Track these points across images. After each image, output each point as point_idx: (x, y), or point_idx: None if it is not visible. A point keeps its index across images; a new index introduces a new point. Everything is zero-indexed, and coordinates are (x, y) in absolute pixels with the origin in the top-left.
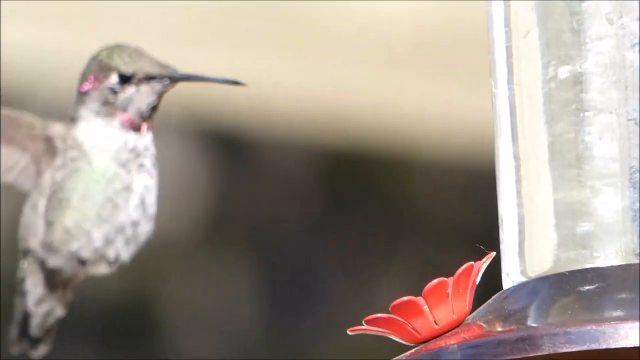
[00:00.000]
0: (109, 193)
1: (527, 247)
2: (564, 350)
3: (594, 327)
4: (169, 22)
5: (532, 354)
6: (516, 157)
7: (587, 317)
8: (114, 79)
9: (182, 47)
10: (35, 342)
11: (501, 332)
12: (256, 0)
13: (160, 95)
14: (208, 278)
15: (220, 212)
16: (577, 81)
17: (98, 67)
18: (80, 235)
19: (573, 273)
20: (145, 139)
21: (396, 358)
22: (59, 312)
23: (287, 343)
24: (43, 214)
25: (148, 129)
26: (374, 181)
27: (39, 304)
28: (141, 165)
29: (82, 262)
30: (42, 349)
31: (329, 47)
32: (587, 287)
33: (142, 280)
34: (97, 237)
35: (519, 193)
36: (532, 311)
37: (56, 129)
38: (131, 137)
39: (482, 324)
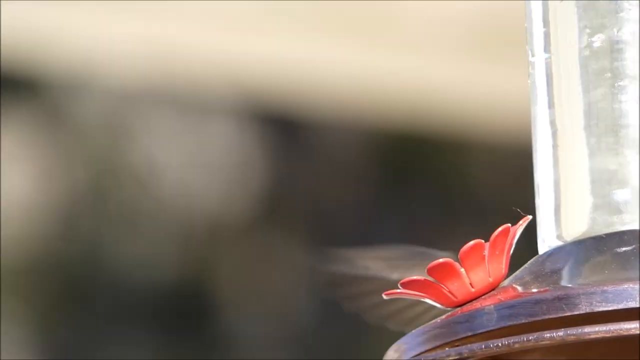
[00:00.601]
0: None
1: (563, 213)
2: (601, 309)
3: (630, 285)
4: (215, 3)
5: (569, 313)
6: (552, 125)
7: (624, 276)
8: None
9: (243, 32)
10: None
11: (537, 292)
12: None
13: None
14: (264, 260)
15: (276, 193)
16: (613, 49)
17: None
18: None
19: (609, 235)
20: None
21: (431, 321)
22: None
23: (342, 325)
24: None
25: None
26: (429, 162)
27: None
28: None
29: None
30: None
31: (384, 30)
32: (623, 249)
33: (198, 262)
34: None
35: (555, 160)
36: (568, 272)
37: None
38: None
39: (518, 286)
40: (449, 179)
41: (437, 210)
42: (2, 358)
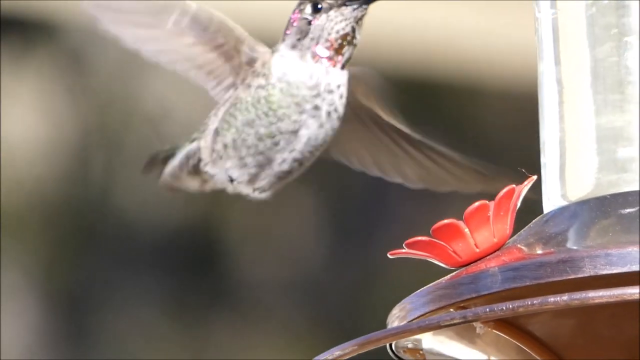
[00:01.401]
0: (272, 129)
1: (568, 171)
2: (605, 272)
3: (634, 248)
4: None
5: (573, 276)
6: (558, 82)
7: (628, 239)
8: (307, 8)
9: None
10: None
11: (542, 254)
12: None
13: (353, 25)
14: (274, 205)
15: None
16: (619, 5)
17: (300, 2)
18: (234, 156)
19: (614, 196)
20: (332, 77)
21: (436, 281)
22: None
23: (352, 269)
24: (218, 122)
25: (342, 65)
26: (441, 108)
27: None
28: (316, 108)
29: (231, 180)
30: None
31: None
32: (627, 210)
33: (208, 207)
34: (250, 164)
35: (561, 117)
36: (572, 234)
37: (261, 52)
38: (317, 73)
39: (522, 247)
40: (462, 124)
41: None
42: (10, 301)
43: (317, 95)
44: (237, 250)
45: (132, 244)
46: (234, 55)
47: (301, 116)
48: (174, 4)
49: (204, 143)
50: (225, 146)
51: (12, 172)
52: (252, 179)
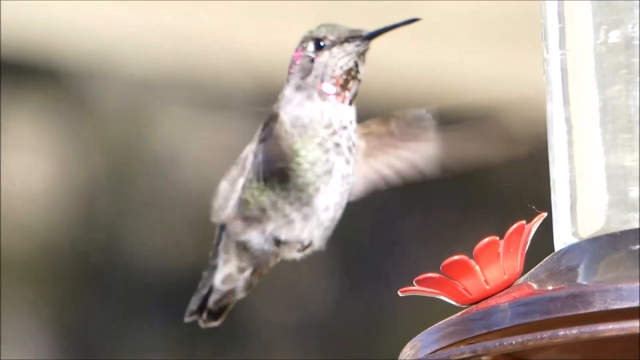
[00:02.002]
0: (309, 176)
1: (579, 209)
2: (615, 306)
3: None
4: None
5: (583, 311)
6: (567, 121)
7: (638, 274)
8: (310, 46)
9: (263, 22)
10: (209, 314)
11: (552, 289)
12: None
13: (355, 60)
14: None
15: None
16: (628, 45)
17: (302, 41)
18: (277, 217)
19: (624, 233)
20: (343, 113)
21: (447, 319)
22: (241, 294)
23: (362, 310)
24: (240, 191)
25: (350, 102)
26: None
27: (225, 282)
28: (337, 145)
29: (277, 243)
30: (211, 323)
31: (400, 17)
32: (638, 246)
33: (208, 250)
34: (296, 219)
35: (570, 156)
36: (583, 270)
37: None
38: (328, 110)
39: (533, 283)
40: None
41: (457, 200)
42: (19, 346)
43: (334, 133)
44: (247, 294)
45: (141, 288)
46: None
47: (328, 155)
48: None
49: (225, 214)
50: (263, 210)
51: (20, 217)
52: (299, 235)
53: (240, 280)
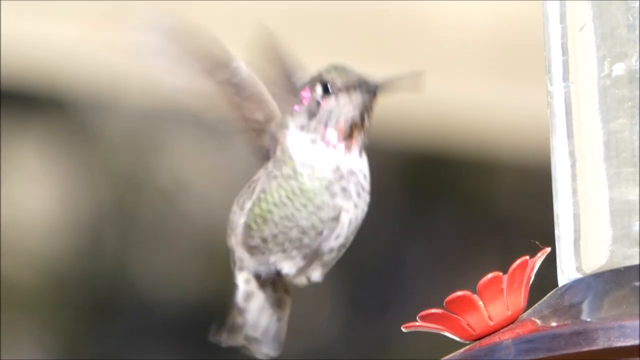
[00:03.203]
0: (313, 220)
1: (583, 244)
2: (619, 344)
3: None
4: (249, 20)
5: (586, 348)
6: (571, 155)
7: None
8: (318, 89)
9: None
10: (252, 340)
11: (556, 326)
12: (337, 4)
13: (361, 111)
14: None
15: None
16: (633, 78)
17: (310, 81)
18: (278, 250)
19: (628, 269)
20: (350, 161)
21: (449, 355)
22: (276, 312)
23: (366, 344)
24: (245, 216)
25: (359, 151)
26: (454, 183)
27: (247, 299)
28: (344, 190)
29: (279, 274)
30: (263, 349)
31: (409, 51)
32: None
33: (221, 279)
34: (297, 256)
35: (574, 191)
36: (587, 306)
37: (277, 130)
38: (334, 157)
39: (536, 319)
40: (474, 200)
41: (462, 231)
42: None
43: (342, 177)
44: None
45: (148, 318)
46: (261, 134)
47: (335, 200)
48: (229, 60)
49: (235, 240)
50: (264, 240)
51: (27, 248)
52: (301, 271)
53: (267, 299)
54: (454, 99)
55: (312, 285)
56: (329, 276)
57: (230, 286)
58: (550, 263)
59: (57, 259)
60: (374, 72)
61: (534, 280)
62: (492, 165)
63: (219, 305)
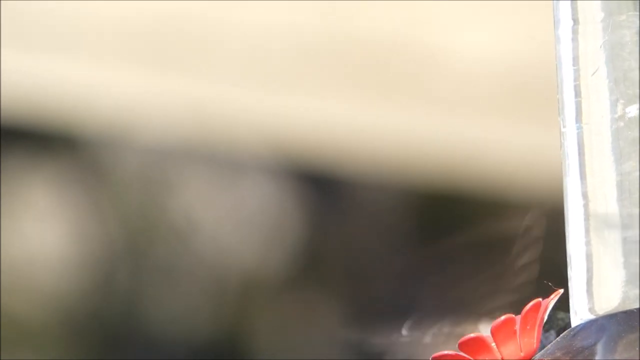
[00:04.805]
0: None
1: (595, 285)
2: None
3: None
4: (256, 59)
5: None
6: (584, 196)
7: None
8: None
9: (279, 89)
10: None
11: None
12: (344, 45)
13: None
14: (299, 317)
15: (311, 251)
16: None
17: None
18: None
19: None
20: None
21: None
22: None
23: None
24: None
25: None
26: (464, 222)
27: None
28: None
29: None
30: None
31: (420, 90)
32: None
33: (234, 319)
34: None
35: (587, 231)
36: (600, 348)
37: None
38: None
39: None
40: (487, 237)
41: (474, 269)
42: None
43: None
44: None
45: (159, 357)
46: None
47: None
48: None
49: None
50: None
51: (38, 286)
52: None
53: None
54: (466, 137)
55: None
56: (338, 316)
57: (241, 324)
58: (563, 303)
59: (69, 297)
60: (382, 110)
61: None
62: (504, 205)
63: (230, 343)
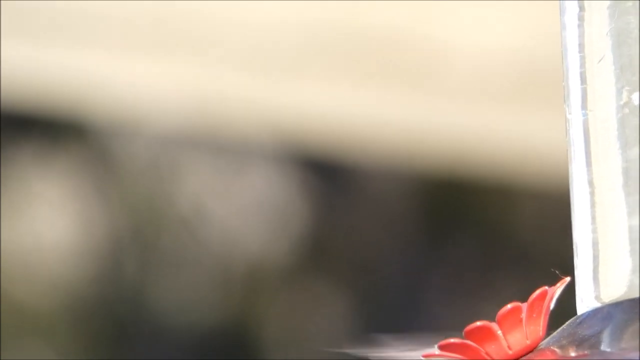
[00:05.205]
0: None
1: (602, 273)
2: None
3: None
4: (262, 48)
5: None
6: (590, 183)
7: None
8: None
9: (285, 77)
10: None
11: (575, 357)
12: (350, 34)
13: None
14: (305, 304)
15: (317, 238)
16: None
17: None
18: None
19: None
20: None
21: None
22: None
23: None
24: None
25: None
26: (472, 210)
27: None
28: None
29: None
30: None
31: (426, 77)
32: None
33: (240, 307)
34: None
35: (593, 219)
36: (606, 336)
37: None
38: None
39: (555, 349)
40: (494, 226)
41: (481, 258)
42: None
43: None
44: (272, 351)
45: (166, 345)
46: None
47: None
48: None
49: None
50: None
51: (45, 275)
52: None
53: None
54: (473, 126)
55: (329, 313)
56: (345, 303)
57: (247, 312)
58: (569, 291)
59: (76, 285)
60: (390, 97)
61: (553, 308)
62: (511, 193)
63: (236, 332)
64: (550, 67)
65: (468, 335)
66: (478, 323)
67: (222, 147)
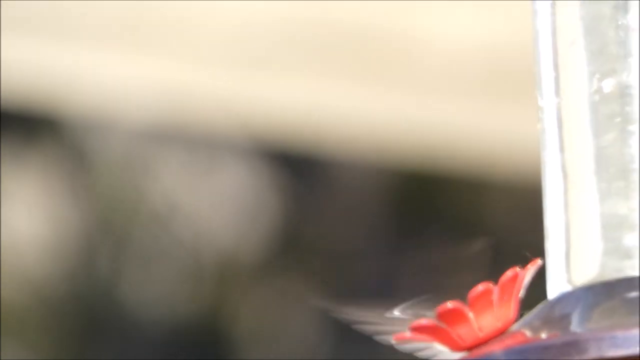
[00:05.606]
0: None
1: (573, 257)
2: (610, 354)
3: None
4: (233, 43)
5: (578, 358)
6: (562, 169)
7: (632, 321)
8: None
9: (255, 72)
10: None
11: (547, 337)
12: (322, 29)
13: None
14: (276, 300)
15: (288, 234)
16: (623, 93)
17: None
18: None
19: (619, 281)
20: None
21: None
22: None
23: (356, 354)
24: None
25: None
26: (444, 203)
27: None
28: None
29: None
30: None
31: (398, 70)
32: (632, 294)
33: (211, 302)
34: None
35: (565, 204)
36: (577, 317)
37: None
38: None
39: (527, 331)
40: (465, 220)
41: (452, 250)
42: None
43: None
44: (245, 347)
45: (139, 340)
46: None
47: None
48: None
49: None
50: None
51: (16, 271)
52: None
53: None
54: (444, 119)
55: (304, 307)
56: (316, 298)
57: (219, 306)
58: (541, 275)
59: (48, 281)
60: (360, 91)
61: (524, 294)
62: (482, 186)
63: (209, 326)
64: (522, 61)
65: (440, 317)
66: (449, 305)
67: (194, 142)
